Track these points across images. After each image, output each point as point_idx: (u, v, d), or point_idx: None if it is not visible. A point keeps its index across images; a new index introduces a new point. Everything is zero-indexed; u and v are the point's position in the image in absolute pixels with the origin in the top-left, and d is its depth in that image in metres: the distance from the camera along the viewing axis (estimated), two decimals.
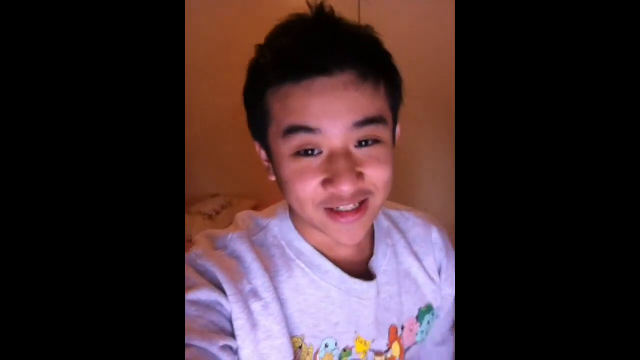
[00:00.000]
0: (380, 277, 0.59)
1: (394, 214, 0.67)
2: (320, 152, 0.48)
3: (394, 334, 0.59)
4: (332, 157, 0.47)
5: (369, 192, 0.49)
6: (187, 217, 2.25)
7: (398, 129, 0.56)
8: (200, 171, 2.52)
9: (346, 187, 0.46)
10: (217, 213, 2.28)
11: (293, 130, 0.47)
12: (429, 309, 0.63)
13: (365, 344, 0.57)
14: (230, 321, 0.51)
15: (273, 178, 0.55)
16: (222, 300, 0.50)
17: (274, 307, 0.52)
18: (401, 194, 0.56)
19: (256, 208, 2.36)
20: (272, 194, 0.63)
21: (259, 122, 0.52)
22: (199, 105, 2.36)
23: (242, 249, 0.55)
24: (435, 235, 0.66)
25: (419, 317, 0.62)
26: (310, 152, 0.48)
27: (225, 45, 2.19)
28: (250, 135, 0.57)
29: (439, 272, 0.66)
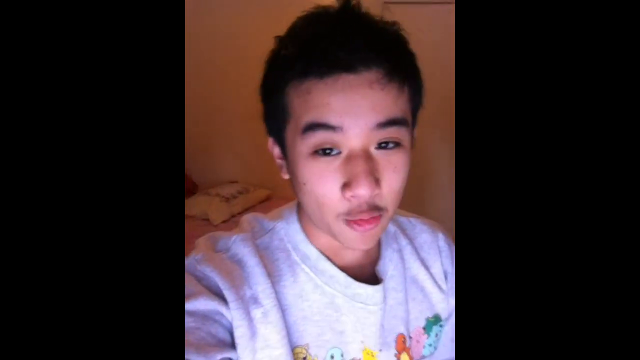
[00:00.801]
0: (387, 282, 0.54)
1: (401, 219, 0.62)
2: (339, 153, 0.43)
3: (402, 343, 0.54)
4: (350, 158, 0.43)
5: (381, 209, 0.45)
6: (205, 198, 2.33)
7: (415, 133, 0.50)
8: (223, 160, 2.60)
9: (363, 191, 0.42)
10: (234, 197, 2.36)
11: (313, 127, 0.42)
12: (436, 319, 0.58)
13: (372, 355, 0.52)
14: (231, 331, 0.46)
15: (286, 176, 0.51)
16: (222, 308, 0.45)
17: (274, 315, 0.47)
18: (409, 202, 0.52)
19: (270, 197, 2.43)
20: (285, 185, 0.60)
21: (276, 117, 0.47)
22: (223, 99, 2.37)
23: (245, 252, 0.50)
24: (442, 242, 0.61)
25: (427, 328, 0.57)
26: (328, 152, 0.43)
27: (245, 41, 2.17)
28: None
29: (446, 279, 0.60)
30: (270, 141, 0.51)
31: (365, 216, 0.44)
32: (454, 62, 0.37)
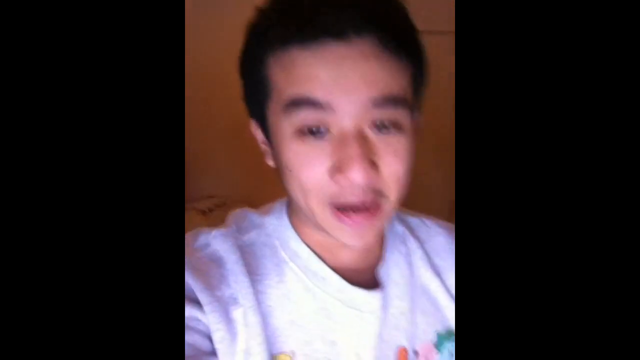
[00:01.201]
0: (390, 289, 0.46)
1: (412, 220, 0.54)
2: (328, 132, 0.37)
3: (404, 357, 0.46)
4: (342, 139, 0.37)
5: (381, 194, 0.39)
6: None
7: (421, 119, 0.45)
8: (199, 174, 2.53)
9: (357, 176, 0.36)
10: (211, 210, 2.27)
11: (297, 103, 0.37)
12: (450, 334, 0.49)
13: None
14: (209, 336, 0.40)
15: (271, 163, 0.44)
16: (197, 313, 0.39)
17: (252, 317, 0.41)
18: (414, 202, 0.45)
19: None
20: (265, 199, 0.54)
21: (256, 95, 0.41)
22: (202, 113, 2.32)
23: (225, 248, 0.44)
24: None
25: (438, 344, 0.49)
26: (316, 132, 0.37)
27: (229, 54, 2.13)
28: (248, 142, 0.47)
29: None
30: (253, 124, 0.45)
31: (357, 201, 0.38)
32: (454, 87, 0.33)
